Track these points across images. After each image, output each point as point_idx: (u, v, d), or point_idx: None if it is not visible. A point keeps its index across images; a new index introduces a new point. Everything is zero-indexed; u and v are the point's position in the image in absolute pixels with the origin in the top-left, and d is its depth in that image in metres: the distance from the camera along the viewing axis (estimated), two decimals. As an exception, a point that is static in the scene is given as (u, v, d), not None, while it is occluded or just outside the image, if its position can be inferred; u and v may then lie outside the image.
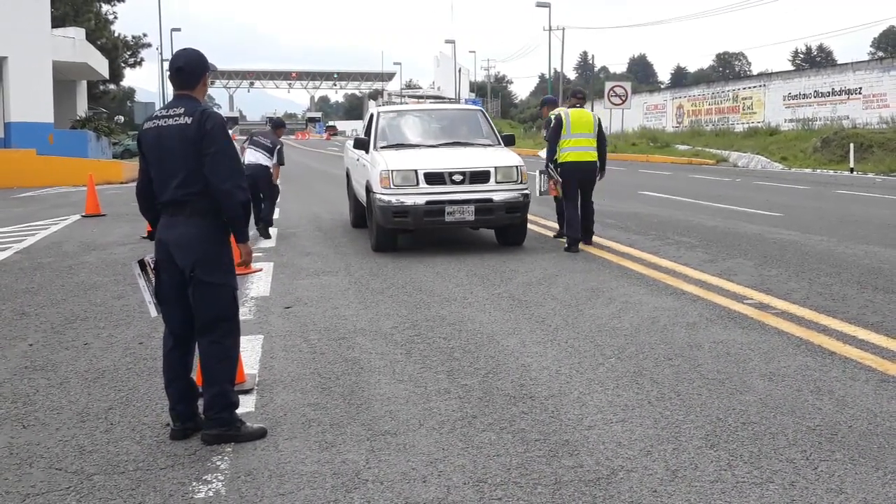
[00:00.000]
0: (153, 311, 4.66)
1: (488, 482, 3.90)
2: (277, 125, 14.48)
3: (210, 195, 4.43)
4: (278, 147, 13.46)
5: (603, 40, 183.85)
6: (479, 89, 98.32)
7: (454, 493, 3.79)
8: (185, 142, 4.43)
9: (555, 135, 11.24)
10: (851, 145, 29.02)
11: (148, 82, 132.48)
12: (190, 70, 4.61)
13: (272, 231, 13.19)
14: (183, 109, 4.49)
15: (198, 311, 4.52)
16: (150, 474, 4.07)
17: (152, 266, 4.66)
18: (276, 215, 15.84)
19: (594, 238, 11.37)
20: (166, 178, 4.51)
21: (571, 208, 11.02)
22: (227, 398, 4.53)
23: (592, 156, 11.21)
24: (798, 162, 32.08)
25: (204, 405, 4.54)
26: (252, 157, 13.21)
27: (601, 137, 11.40)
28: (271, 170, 13.27)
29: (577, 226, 10.95)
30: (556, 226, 12.25)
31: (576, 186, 11.09)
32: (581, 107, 11.69)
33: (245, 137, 14.47)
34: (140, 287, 4.73)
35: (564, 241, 11.16)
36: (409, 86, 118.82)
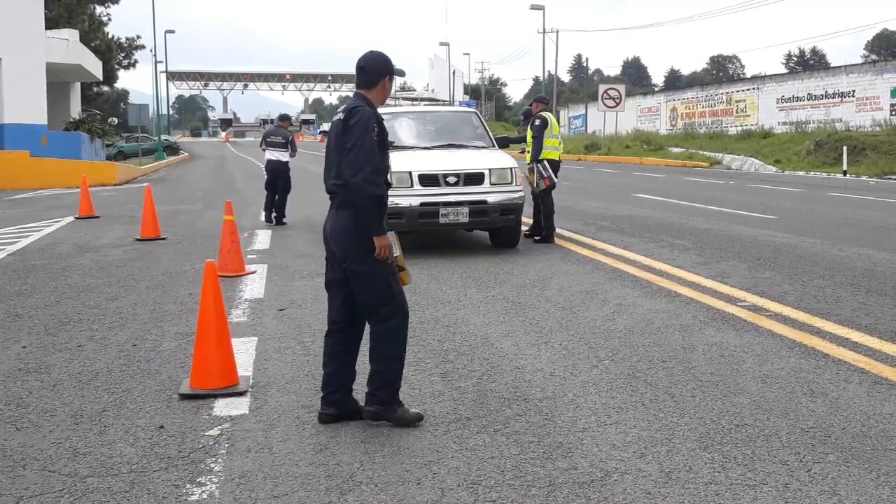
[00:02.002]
0: None
1: (482, 484, 3.90)
2: (283, 118, 16.35)
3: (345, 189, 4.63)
4: (290, 138, 15.47)
5: (597, 43, 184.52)
6: (473, 92, 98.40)
7: (448, 495, 3.79)
8: (337, 137, 4.69)
9: (542, 132, 12.18)
10: (845, 148, 29.12)
11: (142, 84, 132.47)
12: (370, 70, 4.82)
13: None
14: (343, 106, 4.77)
15: (357, 299, 4.75)
16: (144, 476, 4.06)
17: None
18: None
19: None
20: (326, 170, 4.83)
21: (551, 204, 12.08)
22: (387, 377, 4.70)
23: (559, 155, 12.57)
24: (791, 164, 32.17)
25: (368, 379, 4.75)
26: (271, 155, 15.38)
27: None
28: (289, 164, 15.39)
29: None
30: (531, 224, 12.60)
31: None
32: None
33: (260, 139, 16.60)
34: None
35: (538, 238, 12.04)
36: (403, 88, 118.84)
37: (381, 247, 4.65)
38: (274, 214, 15.06)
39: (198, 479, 4.02)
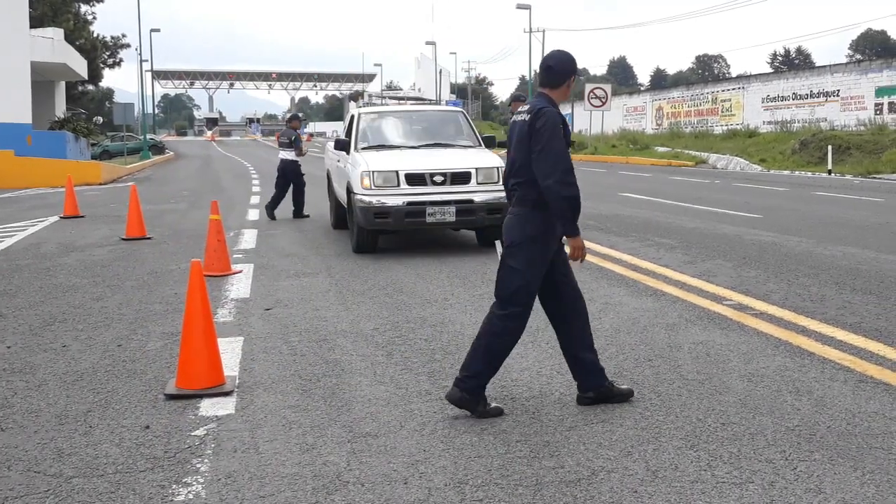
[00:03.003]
0: None
1: (469, 483, 3.90)
2: (292, 118, 17.31)
3: (534, 187, 4.71)
4: (293, 138, 16.28)
5: (583, 42, 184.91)
6: (459, 91, 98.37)
7: (435, 494, 3.79)
8: (521, 136, 4.77)
9: None
10: (829, 147, 29.26)
11: (127, 83, 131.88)
12: (558, 70, 4.89)
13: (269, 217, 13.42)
14: (528, 106, 4.84)
15: (497, 283, 4.89)
16: (130, 477, 4.05)
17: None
18: (255, 217, 15.98)
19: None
20: (509, 168, 4.93)
21: None
22: (488, 363, 4.79)
23: None
24: (776, 164, 32.31)
25: (466, 362, 4.83)
26: (281, 154, 16.34)
27: None
28: (299, 162, 16.21)
29: None
30: None
31: None
32: None
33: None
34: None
35: None
36: (389, 87, 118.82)
37: (575, 248, 4.80)
38: (293, 210, 15.99)
39: (184, 480, 4.01)
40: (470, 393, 4.75)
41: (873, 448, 4.25)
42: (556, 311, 5.03)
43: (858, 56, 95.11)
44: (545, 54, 5.00)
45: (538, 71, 4.97)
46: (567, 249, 4.91)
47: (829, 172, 27.85)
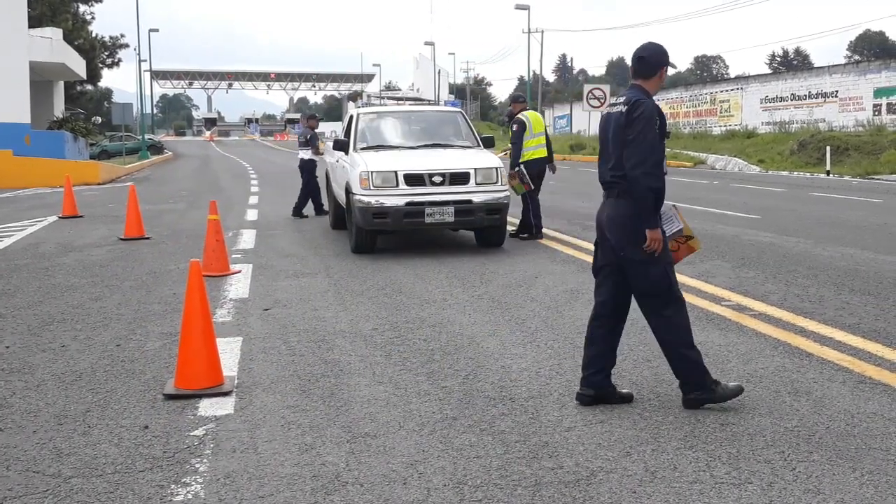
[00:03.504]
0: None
1: (468, 484, 3.90)
2: (310, 117, 18.02)
3: (626, 179, 4.80)
4: (308, 136, 16.71)
5: (582, 43, 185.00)
6: (458, 91, 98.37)
7: (434, 494, 3.79)
8: (618, 128, 4.82)
9: (520, 137, 12.36)
10: (828, 148, 29.26)
11: (125, 83, 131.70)
12: (651, 61, 4.94)
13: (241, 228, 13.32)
14: (623, 98, 4.88)
15: (633, 287, 4.98)
16: (129, 477, 4.05)
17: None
18: (254, 217, 15.99)
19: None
20: (603, 160, 5.00)
21: (538, 200, 12.29)
22: (686, 363, 4.88)
23: (545, 152, 12.62)
24: (775, 164, 32.32)
25: (674, 373, 4.97)
26: (300, 153, 16.69)
27: (547, 134, 12.89)
28: (315, 161, 16.51)
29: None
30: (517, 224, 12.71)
31: (538, 181, 12.46)
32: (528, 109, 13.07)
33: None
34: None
35: (525, 235, 12.27)
36: (388, 87, 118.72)
37: (652, 240, 4.80)
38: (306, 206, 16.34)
39: (183, 480, 4.01)
40: (699, 389, 4.87)
41: (872, 449, 4.26)
42: (615, 303, 5.09)
43: (857, 57, 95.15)
44: (639, 47, 5.04)
45: (631, 62, 5.03)
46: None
47: (828, 173, 27.85)
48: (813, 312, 7.21)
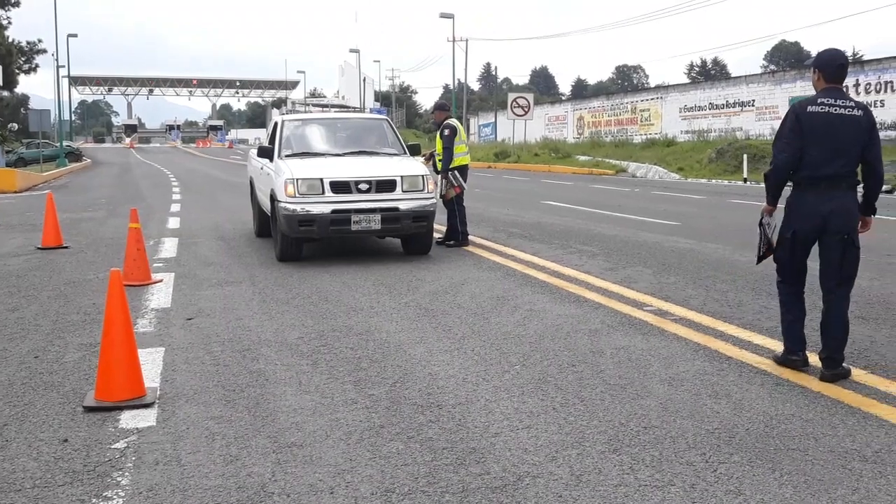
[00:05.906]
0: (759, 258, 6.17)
1: (396, 492, 3.90)
2: None
3: (855, 173, 5.53)
4: None
5: (506, 52, 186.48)
6: (384, 99, 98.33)
7: (362, 503, 3.78)
8: (859, 130, 5.46)
9: (451, 142, 12.46)
10: (745, 156, 30.04)
11: (43, 89, 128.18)
12: (847, 66, 5.69)
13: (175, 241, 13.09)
14: (853, 103, 5.49)
15: (842, 269, 5.57)
16: (49, 491, 3.94)
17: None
18: (175, 225, 15.71)
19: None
20: (832, 156, 5.46)
21: (464, 208, 12.45)
22: (846, 337, 5.61)
23: (469, 159, 13.08)
24: (694, 172, 33.02)
25: (833, 348, 5.52)
26: None
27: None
28: None
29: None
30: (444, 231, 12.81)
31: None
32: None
33: None
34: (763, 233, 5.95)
35: (451, 243, 12.30)
36: (313, 94, 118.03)
37: (869, 224, 5.73)
38: None
39: (104, 494, 3.92)
40: (841, 362, 5.53)
41: (790, 450, 4.37)
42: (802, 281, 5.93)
43: (773, 67, 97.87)
44: (836, 54, 5.67)
45: (834, 69, 5.56)
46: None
47: (745, 180, 28.56)
48: (732, 317, 7.38)
